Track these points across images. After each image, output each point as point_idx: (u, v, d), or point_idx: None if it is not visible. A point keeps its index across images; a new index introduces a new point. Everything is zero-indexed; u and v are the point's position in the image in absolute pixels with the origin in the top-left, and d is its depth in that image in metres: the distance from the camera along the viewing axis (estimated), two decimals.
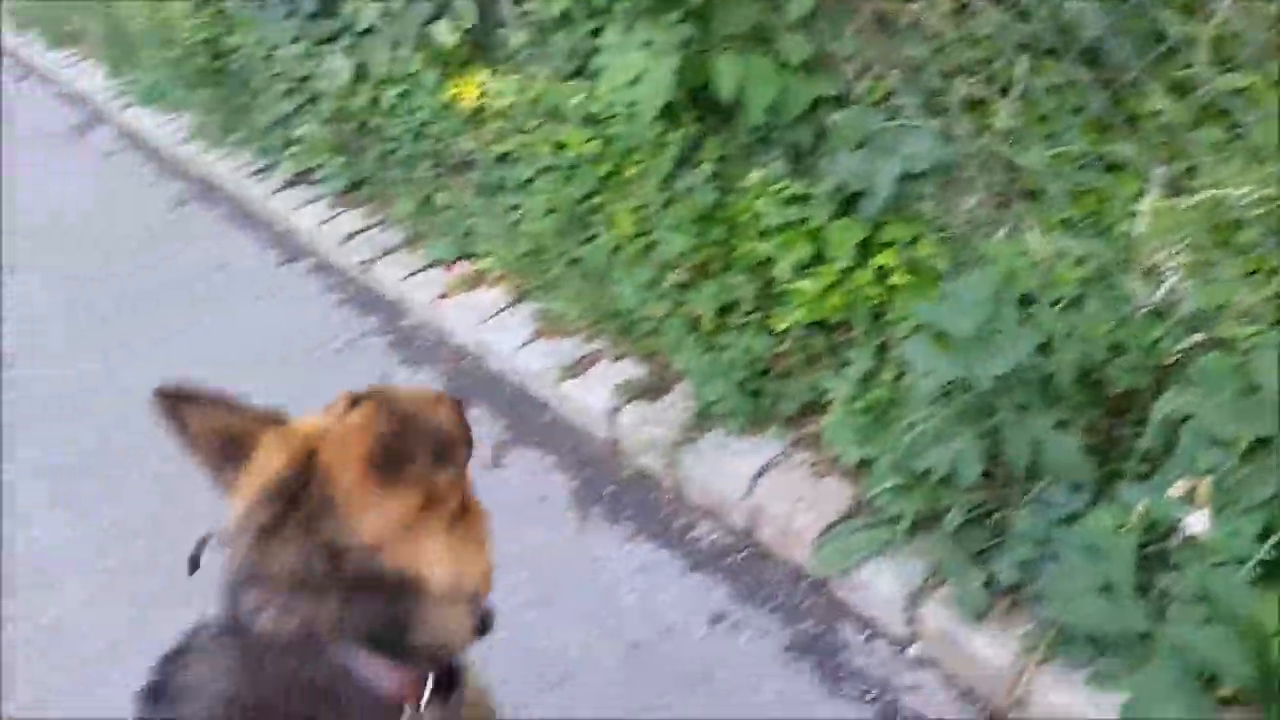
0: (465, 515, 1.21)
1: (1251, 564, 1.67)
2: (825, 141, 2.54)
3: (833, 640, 2.21)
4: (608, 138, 2.98)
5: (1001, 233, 2.22)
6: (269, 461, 1.12)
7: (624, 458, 2.80)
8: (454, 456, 1.20)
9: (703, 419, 2.71)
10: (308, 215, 4.37)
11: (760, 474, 2.51)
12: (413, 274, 3.75)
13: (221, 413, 1.16)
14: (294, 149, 4.56)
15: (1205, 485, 1.74)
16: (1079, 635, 1.87)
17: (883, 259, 2.38)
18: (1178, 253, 1.99)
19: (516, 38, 3.42)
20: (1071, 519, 1.92)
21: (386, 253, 3.93)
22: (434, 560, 1.14)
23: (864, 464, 2.34)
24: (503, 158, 3.40)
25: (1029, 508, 1.99)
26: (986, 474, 2.07)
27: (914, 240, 2.37)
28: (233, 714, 1.05)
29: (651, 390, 2.88)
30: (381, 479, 1.10)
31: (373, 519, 1.09)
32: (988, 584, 2.02)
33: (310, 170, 4.52)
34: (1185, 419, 1.82)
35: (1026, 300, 2.10)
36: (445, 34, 3.59)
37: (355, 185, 4.36)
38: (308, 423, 1.19)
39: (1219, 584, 1.68)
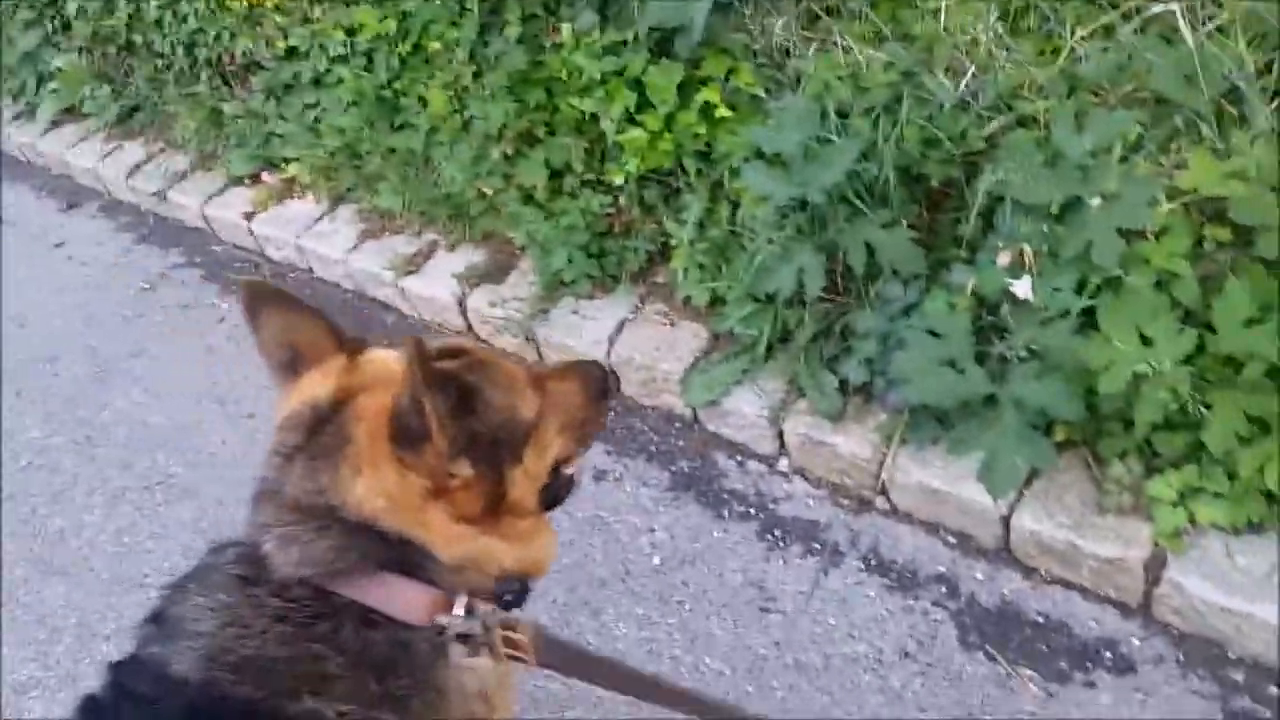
0: (506, 515, 1.13)
1: (1073, 315, 1.83)
2: None
3: (709, 471, 2.30)
4: (403, 13, 2.84)
5: (812, 51, 2.27)
6: (316, 385, 1.09)
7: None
8: (508, 452, 1.11)
9: (551, 290, 2.70)
10: (83, 154, 3.99)
11: (617, 331, 2.54)
12: (213, 196, 3.50)
13: (301, 321, 1.13)
14: (53, 85, 4.11)
15: (1026, 251, 1.89)
16: (929, 415, 2.02)
17: (705, 95, 2.39)
18: (975, 44, 2.10)
19: None
20: (910, 310, 2.05)
21: (180, 178, 3.64)
22: (442, 540, 1.07)
23: (715, 301, 2.41)
24: (290, 53, 3.19)
25: (871, 308, 2.10)
26: (830, 285, 2.17)
27: (732, 71, 2.39)
28: (220, 666, 0.99)
29: (496, 271, 2.84)
30: (393, 446, 1.03)
31: (367, 482, 1.03)
32: (841, 387, 2.13)
33: (76, 105, 4.10)
34: (1001, 198, 1.95)
35: (844, 112, 2.17)
36: None
37: (130, 113, 4.00)
38: (380, 359, 1.14)
39: (1047, 338, 1.85)
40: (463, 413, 1.05)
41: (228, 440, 2.73)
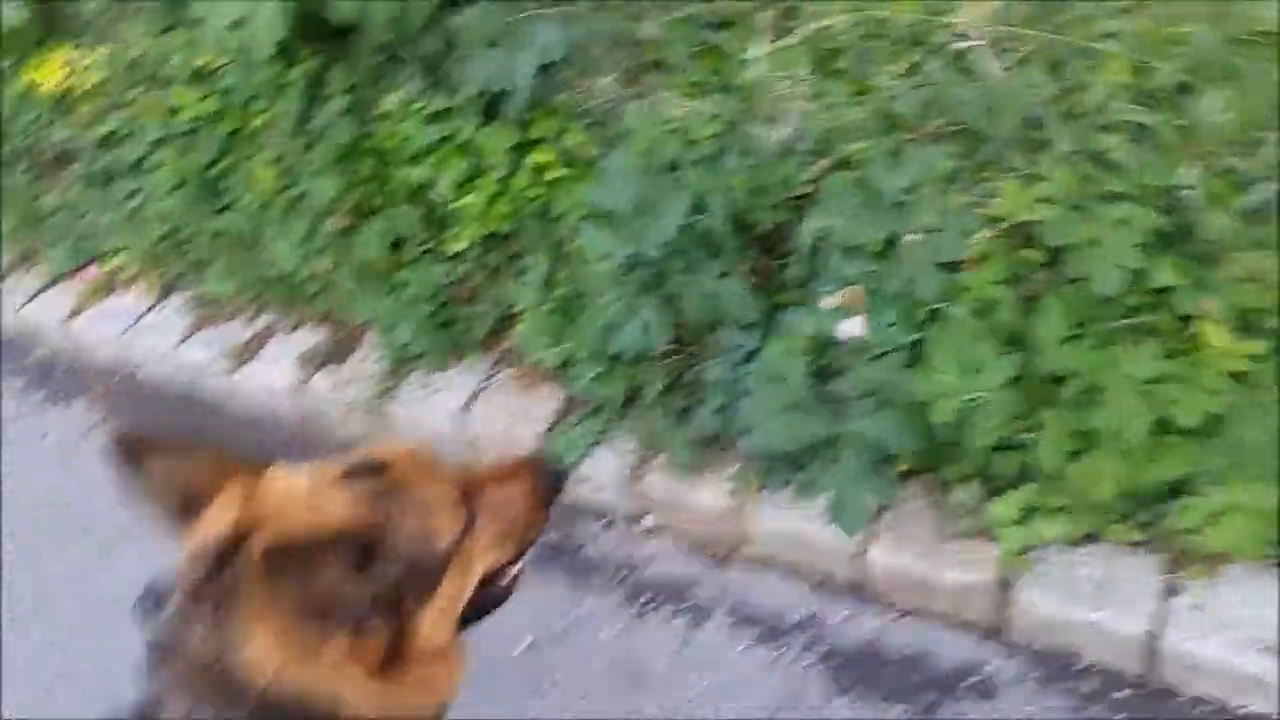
0: (413, 659, 1.02)
1: (902, 350, 1.88)
2: (456, 48, 2.49)
3: (574, 540, 2.24)
4: (223, 91, 2.75)
5: (639, 106, 2.30)
6: (214, 520, 0.97)
7: (324, 431, 2.64)
8: (418, 590, 1.01)
9: (399, 365, 2.62)
10: None
11: (471, 401, 2.48)
12: (33, 297, 3.28)
13: (186, 459, 1.02)
14: None
15: (853, 292, 1.93)
16: (781, 460, 2.03)
17: (537, 156, 2.39)
18: (793, 89, 2.17)
19: (93, 2, 3.05)
20: (752, 356, 2.06)
21: None
22: (352, 698, 0.96)
23: (567, 363, 2.37)
24: (107, 139, 3.04)
25: (714, 358, 2.11)
26: (677, 338, 2.17)
27: (562, 131, 2.39)
28: None
29: (339, 351, 2.74)
30: (284, 587, 0.91)
31: (262, 640, 0.91)
32: (695, 440, 2.12)
33: None
34: (825, 238, 2.00)
35: (675, 165, 2.19)
36: (9, 14, 3.13)
37: None
38: (282, 483, 1.02)
39: (880, 375, 1.88)
40: (360, 572, 0.95)
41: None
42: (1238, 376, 1.73)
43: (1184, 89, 1.97)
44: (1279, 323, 1.76)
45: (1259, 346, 1.74)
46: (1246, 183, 1.84)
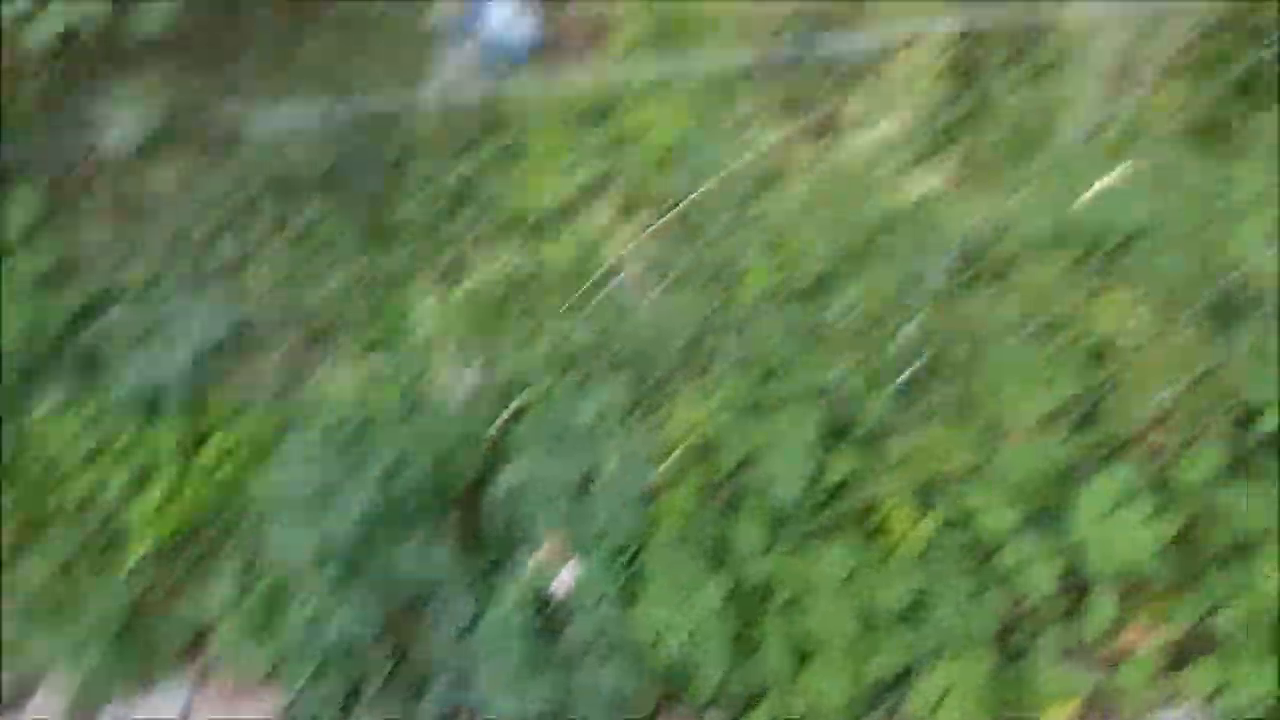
0: None
1: (615, 591, 1.83)
2: (107, 347, 2.31)
3: None
4: None
5: (314, 380, 2.21)
6: None
7: None
8: None
9: (92, 697, 2.27)
10: None
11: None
12: None
13: None
14: None
15: (557, 543, 1.88)
16: None
17: (212, 446, 2.22)
18: (467, 339, 2.16)
19: None
20: (474, 623, 1.94)
21: None
22: None
23: (276, 666, 2.14)
24: None
25: (435, 633, 1.97)
26: (391, 620, 2.02)
27: (236, 414, 2.24)
28: None
29: (19, 695, 2.35)
30: None
31: None
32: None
33: None
34: (521, 488, 1.95)
35: (359, 434, 2.09)
36: None
37: None
38: None
39: (598, 622, 1.83)
40: None
41: None
42: (924, 554, 1.80)
43: (824, 282, 2.13)
44: (951, 490, 1.87)
45: (938, 517, 1.84)
46: (894, 365, 1.98)
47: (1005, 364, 1.93)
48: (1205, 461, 1.76)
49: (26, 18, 2.17)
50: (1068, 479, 1.78)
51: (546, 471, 1.93)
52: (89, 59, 2.31)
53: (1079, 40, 2.12)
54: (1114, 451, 1.82)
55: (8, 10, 2.14)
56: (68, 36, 2.18)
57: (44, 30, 2.16)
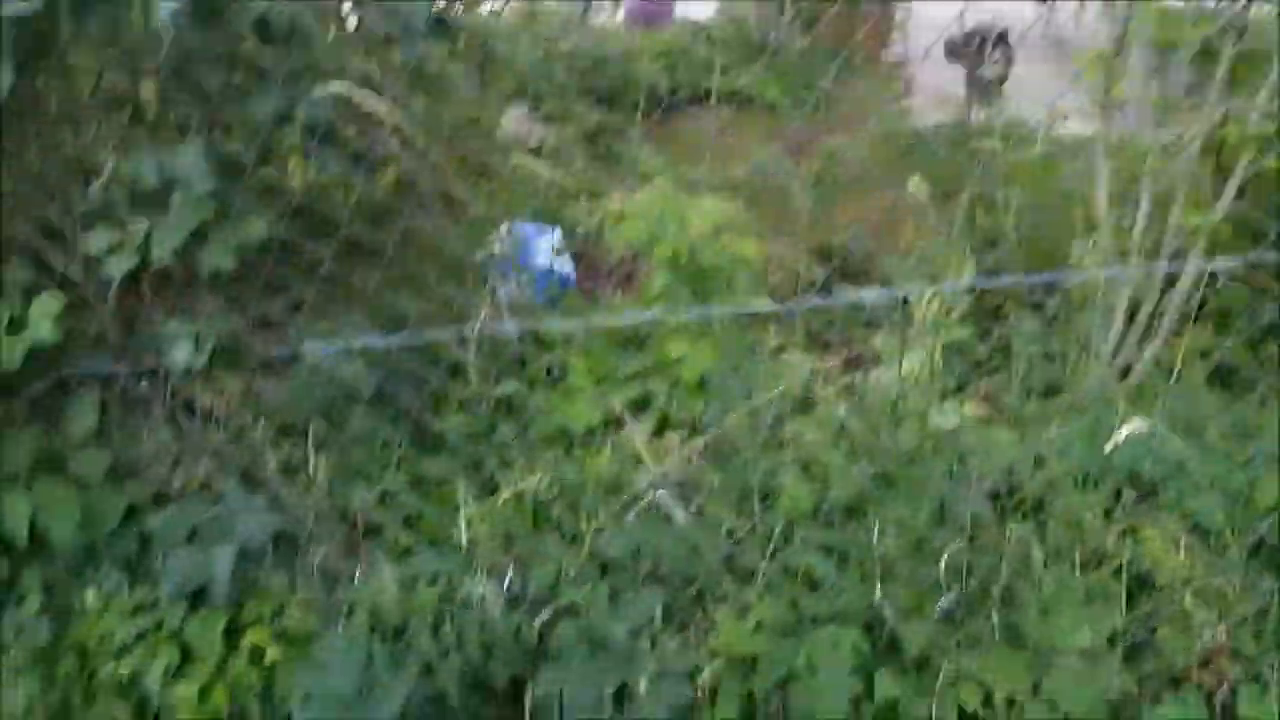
0: None
1: None
2: (155, 544, 2.40)
3: None
4: None
5: (357, 578, 2.25)
6: None
7: None
8: None
9: None
10: None
11: None
12: None
13: None
14: None
15: None
16: None
17: (253, 638, 2.26)
18: (506, 544, 2.22)
19: None
20: None
21: None
22: None
23: None
24: None
25: None
26: None
27: (280, 610, 2.29)
28: None
29: None
30: None
31: None
32: None
33: None
34: (556, 693, 1.93)
35: (400, 632, 2.12)
36: None
37: None
38: None
39: None
40: None
41: None
42: None
43: (860, 505, 2.19)
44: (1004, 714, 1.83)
45: None
46: (933, 590, 2.00)
47: (1050, 592, 1.95)
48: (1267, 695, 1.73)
49: (111, 249, 2.43)
50: (1122, 708, 1.74)
51: (584, 678, 1.93)
52: (163, 285, 2.53)
53: (1095, 289, 2.30)
54: (1170, 683, 1.79)
55: (95, 246, 2.40)
56: (144, 266, 2.43)
57: (124, 264, 2.43)
